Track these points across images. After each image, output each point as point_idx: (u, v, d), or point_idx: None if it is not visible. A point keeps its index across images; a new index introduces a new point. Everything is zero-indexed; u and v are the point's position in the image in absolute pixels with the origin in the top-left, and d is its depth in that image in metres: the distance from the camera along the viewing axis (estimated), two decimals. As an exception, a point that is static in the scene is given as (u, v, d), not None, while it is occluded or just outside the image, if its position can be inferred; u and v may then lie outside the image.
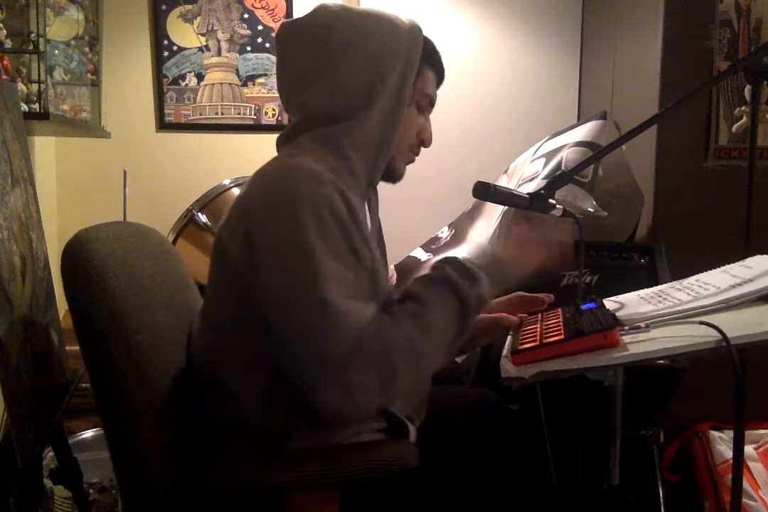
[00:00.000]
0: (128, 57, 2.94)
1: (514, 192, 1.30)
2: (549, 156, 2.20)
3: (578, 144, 2.14)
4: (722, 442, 1.98)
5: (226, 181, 2.36)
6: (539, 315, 1.26)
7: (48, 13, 2.18)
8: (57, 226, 2.85)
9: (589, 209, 2.00)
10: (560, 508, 1.18)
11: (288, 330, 0.99)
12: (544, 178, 2.09)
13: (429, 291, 1.07)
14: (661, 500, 1.79)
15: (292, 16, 2.91)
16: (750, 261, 1.26)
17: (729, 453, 1.91)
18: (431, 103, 1.23)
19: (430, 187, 2.94)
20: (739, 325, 0.98)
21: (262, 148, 2.92)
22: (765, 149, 2.04)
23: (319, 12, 1.15)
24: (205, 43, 2.96)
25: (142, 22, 2.92)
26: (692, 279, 1.29)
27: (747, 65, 1.31)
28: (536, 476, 1.38)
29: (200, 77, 2.96)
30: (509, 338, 1.20)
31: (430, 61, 1.18)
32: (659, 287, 1.34)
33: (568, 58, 3.03)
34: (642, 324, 1.09)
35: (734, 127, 2.05)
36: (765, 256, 1.25)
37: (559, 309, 1.23)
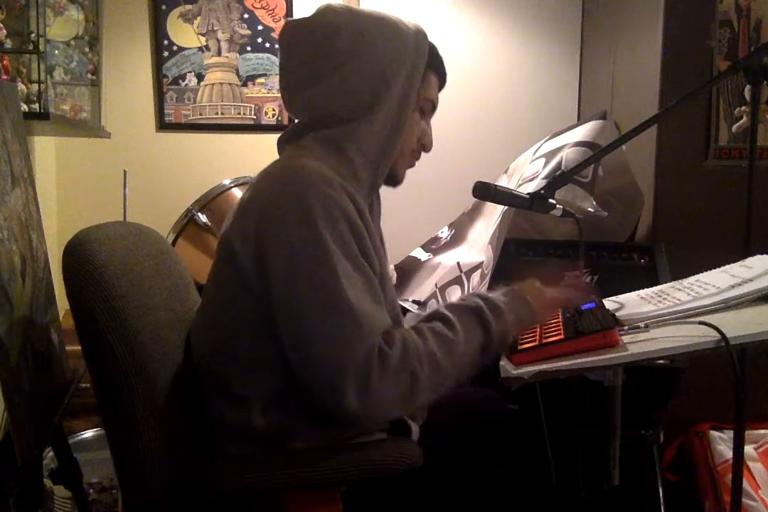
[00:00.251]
0: (128, 57, 2.94)
1: (514, 192, 1.30)
2: (549, 156, 2.19)
3: (578, 144, 2.14)
4: (722, 442, 1.98)
5: (226, 181, 2.36)
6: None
7: (48, 13, 2.18)
8: (57, 226, 2.85)
9: (589, 209, 2.00)
10: (560, 508, 1.18)
11: (309, 335, 0.98)
12: (544, 178, 2.09)
13: (458, 317, 1.07)
14: (661, 500, 1.79)
15: (292, 16, 2.91)
16: (750, 261, 1.26)
17: (729, 453, 1.91)
18: (433, 107, 1.23)
19: (430, 187, 2.94)
20: (739, 325, 0.98)
21: (262, 148, 2.92)
22: (765, 149, 2.04)
23: (325, 12, 1.15)
24: (205, 43, 2.96)
25: (142, 22, 2.92)
26: (692, 279, 1.29)
27: (747, 65, 1.31)
28: (536, 476, 1.38)
29: (200, 77, 2.97)
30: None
31: (433, 65, 1.19)
32: (659, 287, 1.34)
33: (568, 58, 3.03)
34: (642, 324, 1.10)
35: (734, 127, 2.05)
36: (765, 255, 1.26)
37: (559, 309, 1.23)
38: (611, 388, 1.42)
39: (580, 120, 2.66)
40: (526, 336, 1.14)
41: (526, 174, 2.24)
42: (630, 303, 1.28)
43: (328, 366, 0.97)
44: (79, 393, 1.43)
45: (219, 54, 2.97)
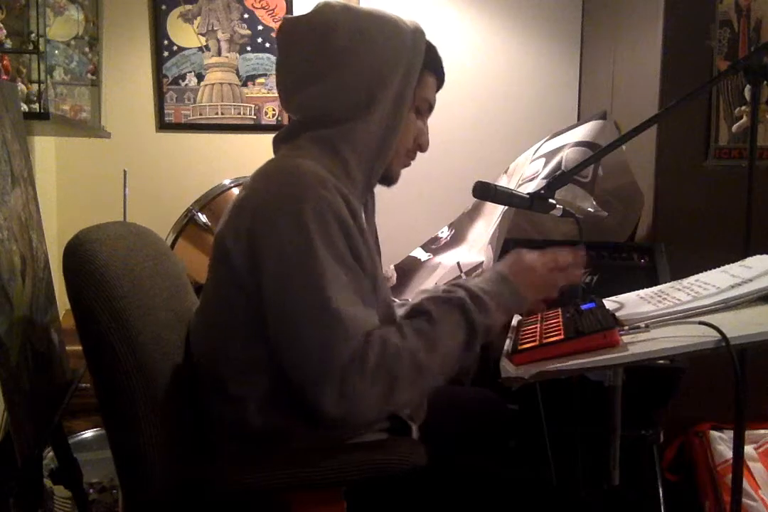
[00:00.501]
0: (128, 57, 2.94)
1: (514, 192, 1.30)
2: (549, 156, 2.20)
3: (578, 144, 2.15)
4: (722, 442, 1.98)
5: (226, 181, 2.36)
6: (539, 315, 1.26)
7: (48, 13, 2.18)
8: (57, 226, 2.85)
9: (589, 209, 2.00)
10: (560, 508, 1.18)
11: (292, 337, 0.99)
12: (544, 178, 2.09)
13: (440, 311, 1.06)
14: (661, 500, 1.78)
15: (292, 16, 2.91)
16: (750, 261, 1.26)
17: (729, 453, 1.91)
18: (430, 108, 1.22)
19: (430, 187, 2.95)
20: (739, 325, 0.98)
21: (262, 148, 2.91)
22: (765, 149, 2.04)
23: (323, 10, 1.14)
24: (205, 43, 2.96)
25: (142, 22, 2.92)
26: (692, 279, 1.29)
27: (747, 65, 1.31)
28: (536, 476, 1.38)
29: (200, 77, 2.97)
30: (509, 338, 1.20)
31: (431, 66, 1.18)
32: (659, 287, 1.34)
33: (568, 58, 3.04)
34: (642, 324, 1.09)
35: (734, 127, 2.05)
36: (765, 255, 1.25)
37: (559, 309, 1.23)
38: (611, 388, 1.42)
39: (580, 120, 2.66)
40: (526, 336, 1.14)
41: (526, 174, 2.24)
42: (630, 303, 1.28)
43: (310, 370, 0.97)
44: (79, 393, 1.44)
45: (219, 54, 2.97)
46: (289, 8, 2.95)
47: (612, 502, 1.48)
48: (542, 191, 1.29)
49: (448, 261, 2.30)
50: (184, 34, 2.94)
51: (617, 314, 1.19)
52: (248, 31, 2.96)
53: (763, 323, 0.98)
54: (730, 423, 1.91)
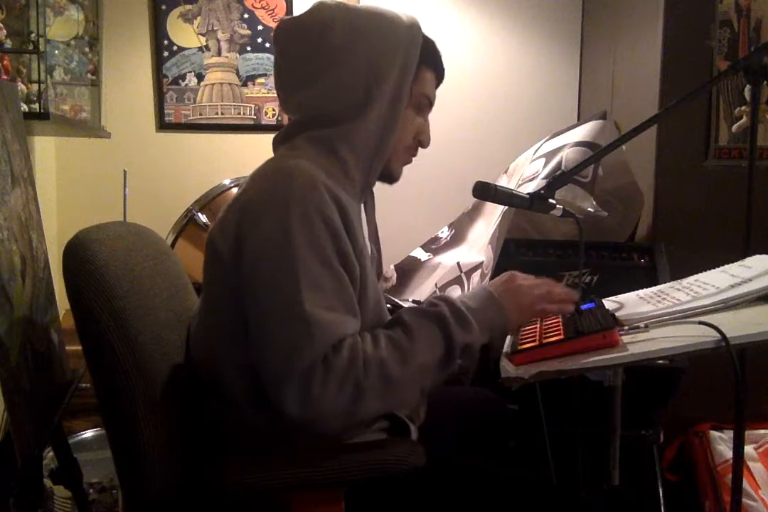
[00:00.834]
0: (128, 57, 2.94)
1: (514, 192, 1.30)
2: (549, 156, 2.20)
3: (578, 144, 2.14)
4: (722, 442, 1.98)
5: (226, 181, 2.37)
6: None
7: (48, 13, 2.18)
8: (57, 226, 2.85)
9: (589, 209, 2.00)
10: (560, 508, 1.18)
11: (261, 335, 0.99)
12: (544, 178, 2.09)
13: (418, 324, 1.04)
14: (661, 500, 1.79)
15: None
16: (750, 261, 1.26)
17: (729, 453, 1.91)
18: (430, 103, 1.21)
19: (430, 187, 2.95)
20: (739, 325, 0.98)
21: (262, 148, 2.91)
22: (765, 149, 2.04)
23: (318, 10, 1.14)
24: (205, 43, 2.96)
25: (142, 22, 2.92)
26: (692, 279, 1.29)
27: (747, 65, 1.31)
28: (536, 476, 1.38)
29: (200, 77, 2.97)
30: (509, 338, 1.20)
31: (429, 61, 1.17)
32: (659, 287, 1.34)
33: (568, 58, 3.04)
34: (641, 324, 1.09)
35: (734, 127, 2.05)
36: (765, 255, 1.25)
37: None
38: (611, 388, 1.42)
39: (580, 120, 2.66)
40: (526, 336, 1.14)
41: (526, 174, 2.24)
42: (630, 303, 1.28)
43: (273, 370, 0.97)
44: (79, 393, 1.44)
45: (219, 54, 2.97)
46: (289, 8, 2.95)
47: (612, 502, 1.48)
48: (542, 191, 1.29)
49: (448, 261, 2.30)
50: (184, 34, 2.94)
51: (617, 314, 1.19)
52: (248, 31, 2.96)
53: (763, 323, 0.98)
54: (730, 423, 1.91)
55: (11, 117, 1.38)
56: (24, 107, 1.93)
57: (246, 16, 2.95)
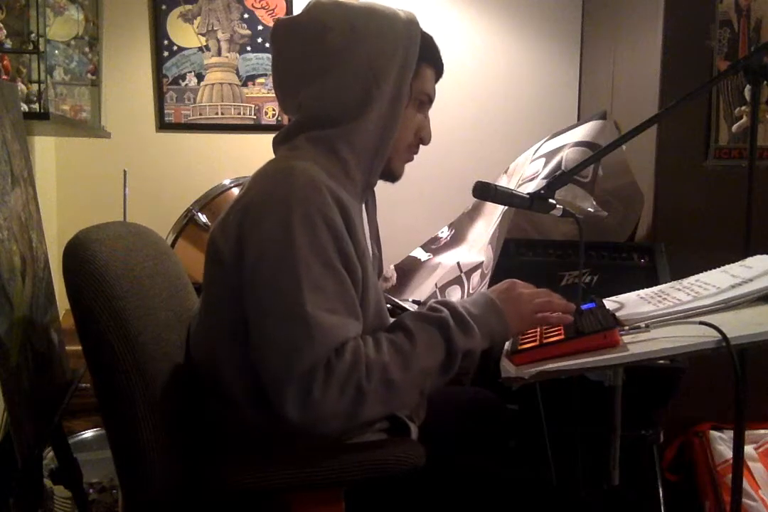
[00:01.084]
0: (128, 57, 2.94)
1: (514, 192, 1.30)
2: (549, 156, 2.20)
3: (578, 144, 2.15)
4: (722, 442, 1.98)
5: (226, 181, 2.37)
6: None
7: (48, 13, 2.18)
8: (57, 226, 2.85)
9: (589, 209, 2.00)
10: (560, 508, 1.18)
11: (262, 336, 0.99)
12: (544, 178, 2.09)
13: (420, 328, 1.04)
14: (661, 500, 1.79)
15: (292, 16, 2.91)
16: (750, 261, 1.26)
17: (729, 453, 1.91)
18: (430, 100, 1.21)
19: (430, 187, 2.94)
20: (739, 325, 0.98)
21: (262, 148, 2.90)
22: (765, 149, 2.04)
23: (315, 9, 1.14)
24: (205, 43, 2.96)
25: (142, 22, 2.92)
26: (692, 279, 1.29)
27: (747, 65, 1.31)
28: (536, 476, 1.38)
29: (200, 77, 2.96)
30: (511, 338, 1.20)
31: (427, 57, 1.16)
32: (659, 287, 1.34)
33: (568, 58, 3.03)
34: (642, 324, 1.09)
35: (734, 127, 2.05)
36: (765, 255, 1.25)
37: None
38: (611, 388, 1.42)
39: (580, 120, 2.66)
40: (526, 336, 1.14)
41: (526, 174, 2.24)
42: (630, 303, 1.28)
43: (273, 372, 0.96)
44: (79, 393, 1.44)
45: (219, 54, 2.97)
46: (289, 8, 2.95)
47: (612, 502, 1.48)
48: (542, 191, 1.29)
49: (448, 261, 2.30)
50: (184, 34, 2.94)
51: (617, 314, 1.19)
52: (248, 31, 2.96)
53: (763, 323, 0.98)
54: (730, 423, 1.90)
55: (11, 117, 1.38)
56: (24, 107, 1.93)
57: (246, 16, 2.95)
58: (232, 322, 1.05)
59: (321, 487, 0.99)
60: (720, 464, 1.93)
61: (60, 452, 1.37)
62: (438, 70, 1.21)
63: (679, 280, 1.33)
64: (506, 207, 2.00)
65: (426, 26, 1.17)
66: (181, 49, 2.94)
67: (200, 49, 2.96)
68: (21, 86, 1.98)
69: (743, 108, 2.03)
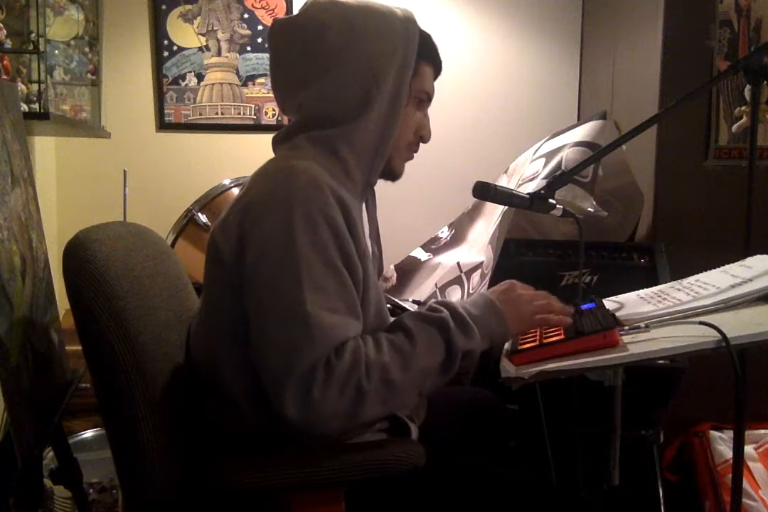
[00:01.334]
0: (128, 57, 2.94)
1: (514, 192, 1.30)
2: (549, 156, 2.20)
3: (578, 144, 2.15)
4: (722, 442, 1.98)
5: (226, 181, 2.37)
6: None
7: (48, 13, 2.18)
8: (57, 226, 2.85)
9: (589, 209, 2.00)
10: (560, 508, 1.18)
11: (262, 336, 0.98)
12: (544, 178, 2.09)
13: (420, 329, 1.04)
14: (661, 500, 1.79)
15: (292, 16, 2.91)
16: (750, 261, 1.26)
17: (729, 453, 1.91)
18: (429, 98, 1.21)
19: (430, 187, 2.94)
20: (739, 325, 0.98)
21: (262, 148, 2.90)
22: (765, 149, 2.04)
23: (312, 9, 1.13)
24: (205, 43, 2.96)
25: (142, 22, 2.92)
26: (692, 279, 1.29)
27: (747, 65, 1.31)
28: (536, 476, 1.38)
29: (200, 77, 2.96)
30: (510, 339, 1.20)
31: (426, 55, 1.16)
32: (659, 287, 1.34)
33: (568, 58, 3.03)
34: (642, 324, 1.10)
35: (734, 127, 2.05)
36: (765, 256, 1.26)
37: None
38: (611, 388, 1.42)
39: (580, 120, 2.66)
40: (526, 336, 1.14)
41: (526, 174, 2.24)
42: (630, 303, 1.28)
43: (273, 371, 0.96)
44: (79, 393, 1.44)
45: (219, 54, 2.97)
46: (289, 8, 2.95)
47: (612, 502, 1.48)
48: (542, 191, 1.29)
49: (448, 261, 2.30)
50: (184, 34, 2.94)
51: (617, 314, 1.19)
52: (248, 31, 2.96)
53: (763, 323, 0.98)
54: (730, 423, 1.91)
55: (11, 117, 1.38)
56: (24, 107, 1.93)
57: (246, 16, 2.95)
58: (232, 322, 1.05)
59: (321, 487, 0.99)
60: (720, 464, 1.93)
61: (60, 452, 1.37)
62: (436, 67, 1.21)
63: (679, 280, 1.33)
64: (506, 207, 2.00)
65: (426, 26, 1.17)
66: (181, 49, 2.94)
67: (200, 49, 2.96)
68: (21, 86, 1.98)
69: (743, 108, 2.03)
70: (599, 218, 2.03)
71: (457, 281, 2.16)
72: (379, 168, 1.16)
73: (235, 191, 2.29)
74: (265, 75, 2.98)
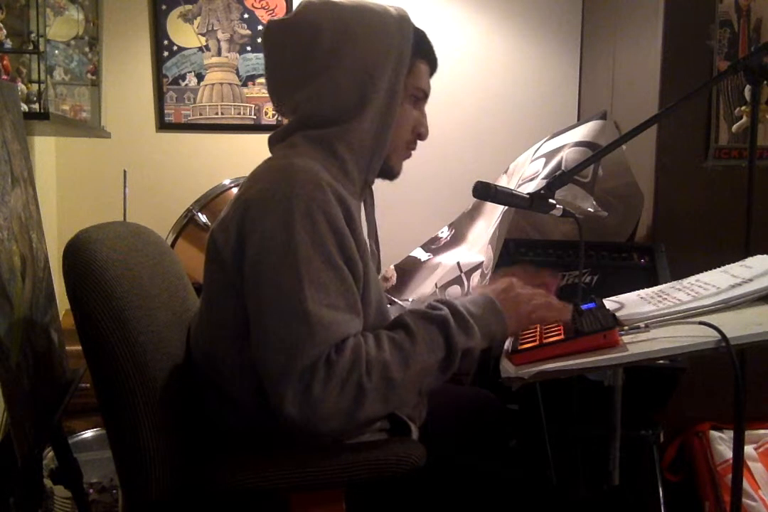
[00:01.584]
0: (128, 57, 2.93)
1: (514, 192, 1.30)
2: (549, 156, 2.20)
3: (578, 144, 2.14)
4: (722, 442, 1.98)
5: (226, 181, 2.37)
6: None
7: (48, 13, 2.18)
8: (57, 226, 2.85)
9: (589, 209, 2.00)
10: (560, 508, 1.18)
11: (262, 333, 0.98)
12: (544, 178, 2.09)
13: (421, 327, 1.04)
14: (661, 500, 1.79)
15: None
16: (750, 261, 1.26)
17: (729, 453, 1.91)
18: (425, 95, 1.20)
19: (430, 187, 2.94)
20: (739, 325, 0.98)
21: (262, 148, 2.89)
22: (765, 149, 2.04)
23: (306, 10, 1.13)
24: (205, 43, 2.95)
25: (142, 22, 2.92)
26: (692, 279, 1.29)
27: (747, 65, 1.31)
28: (536, 476, 1.38)
29: (200, 77, 2.96)
30: (509, 339, 1.20)
31: (421, 52, 1.16)
32: (659, 287, 1.34)
33: (568, 58, 3.03)
34: (642, 324, 1.09)
35: (734, 127, 2.05)
36: (765, 256, 1.25)
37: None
38: (611, 388, 1.42)
39: (580, 120, 2.66)
40: (526, 336, 1.14)
41: (526, 174, 2.24)
42: (630, 303, 1.28)
43: (273, 369, 0.96)
44: (79, 393, 1.44)
45: (219, 54, 2.96)
46: (289, 8, 2.95)
47: (612, 502, 1.48)
48: (542, 191, 1.29)
49: (448, 261, 2.30)
50: (184, 34, 2.94)
51: (617, 314, 1.19)
52: (248, 31, 2.96)
53: (763, 323, 0.98)
54: (730, 423, 1.91)
55: (11, 117, 1.38)
56: (24, 107, 1.93)
57: (246, 16, 2.95)
58: (232, 321, 1.05)
59: (321, 487, 0.99)
60: (720, 464, 1.93)
61: (60, 452, 1.37)
62: (432, 64, 1.20)
63: (679, 280, 1.33)
64: (506, 207, 2.00)
65: (426, 26, 1.17)
66: (181, 49, 2.94)
67: (200, 49, 2.95)
68: (21, 86, 1.98)
69: (743, 108, 2.03)
70: (599, 218, 2.03)
71: (457, 281, 2.16)
72: (377, 166, 1.16)
73: (235, 191, 2.29)
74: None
